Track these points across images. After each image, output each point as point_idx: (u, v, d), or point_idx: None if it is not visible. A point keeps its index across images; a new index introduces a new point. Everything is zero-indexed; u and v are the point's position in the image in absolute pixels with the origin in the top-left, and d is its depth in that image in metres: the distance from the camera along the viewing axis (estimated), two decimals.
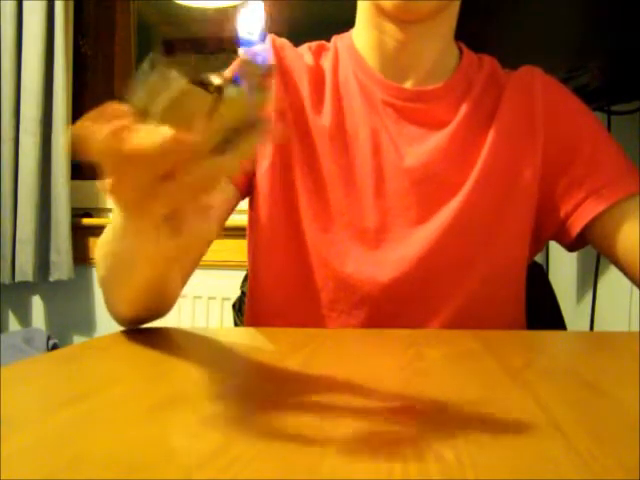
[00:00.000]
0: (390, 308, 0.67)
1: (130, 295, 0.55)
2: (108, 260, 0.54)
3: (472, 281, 0.68)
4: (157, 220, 0.35)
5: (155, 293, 0.55)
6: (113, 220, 0.51)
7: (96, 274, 0.61)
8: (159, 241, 0.36)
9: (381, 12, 0.69)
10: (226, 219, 0.70)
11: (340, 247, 0.68)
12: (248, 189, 0.72)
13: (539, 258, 1.23)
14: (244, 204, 0.74)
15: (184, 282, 0.64)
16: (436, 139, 0.70)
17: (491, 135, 0.70)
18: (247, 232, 0.75)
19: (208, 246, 0.66)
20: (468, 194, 0.68)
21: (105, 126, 0.31)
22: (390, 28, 0.69)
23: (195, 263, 0.66)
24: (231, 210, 0.70)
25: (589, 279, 1.26)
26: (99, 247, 0.58)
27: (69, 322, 1.94)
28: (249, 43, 0.34)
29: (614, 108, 1.11)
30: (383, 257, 0.67)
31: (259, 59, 0.33)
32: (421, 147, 0.69)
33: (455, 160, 0.69)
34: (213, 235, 0.66)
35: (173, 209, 0.34)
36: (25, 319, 1.97)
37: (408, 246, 0.67)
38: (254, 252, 0.73)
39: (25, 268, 1.83)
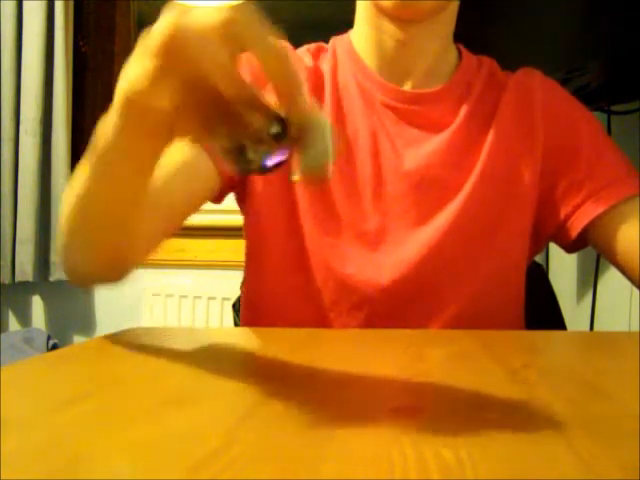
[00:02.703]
0: (390, 310, 0.67)
1: (100, 223, 0.51)
2: (84, 181, 0.50)
3: (472, 282, 0.68)
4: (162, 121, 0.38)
5: (129, 215, 0.51)
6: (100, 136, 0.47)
7: (63, 213, 0.55)
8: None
9: (380, 12, 0.69)
10: (201, 204, 0.67)
11: (340, 249, 0.68)
12: (233, 184, 0.70)
13: (539, 258, 1.23)
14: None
15: (155, 241, 0.62)
16: (435, 142, 0.70)
17: (490, 137, 0.70)
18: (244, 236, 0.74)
19: (181, 219, 0.65)
20: (467, 196, 0.68)
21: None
22: (389, 28, 0.69)
23: (170, 224, 0.63)
24: (208, 196, 0.68)
25: (589, 279, 1.26)
26: (73, 182, 0.53)
27: (69, 322, 1.94)
28: None
29: (614, 108, 1.11)
30: (383, 259, 0.67)
31: None
32: (420, 150, 0.69)
33: (454, 163, 0.69)
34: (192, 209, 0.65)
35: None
36: (25, 319, 1.97)
37: (407, 248, 0.67)
38: (252, 254, 0.73)
39: (25, 268, 1.83)
